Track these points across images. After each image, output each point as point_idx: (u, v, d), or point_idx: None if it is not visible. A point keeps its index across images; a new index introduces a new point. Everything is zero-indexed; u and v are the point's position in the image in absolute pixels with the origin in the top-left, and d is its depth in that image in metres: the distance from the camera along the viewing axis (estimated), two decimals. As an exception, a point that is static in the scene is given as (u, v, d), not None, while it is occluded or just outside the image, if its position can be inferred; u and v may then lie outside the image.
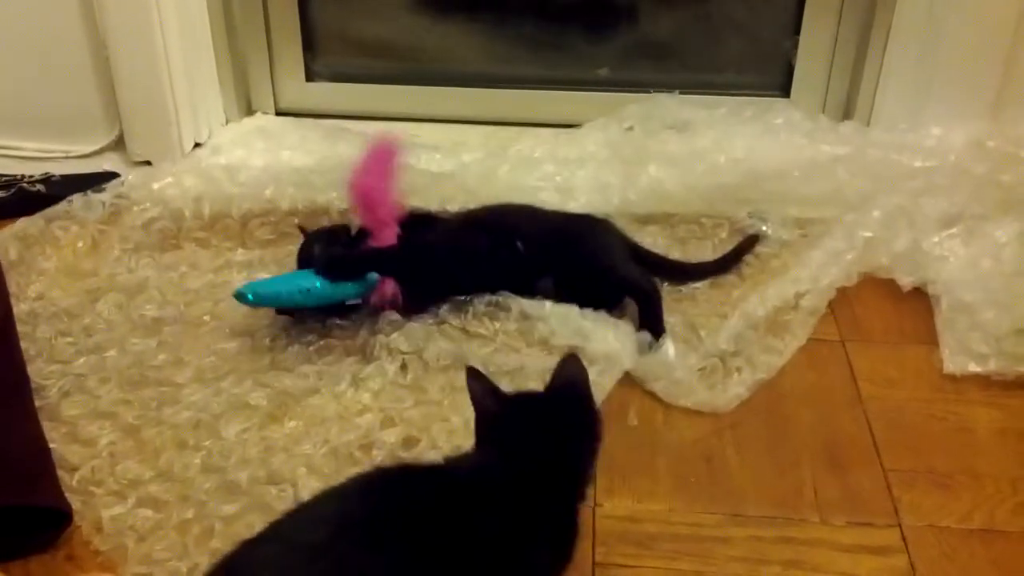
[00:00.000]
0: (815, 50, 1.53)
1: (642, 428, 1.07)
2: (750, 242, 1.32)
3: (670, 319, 1.19)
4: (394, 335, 1.15)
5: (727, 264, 1.30)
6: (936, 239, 1.26)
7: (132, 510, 0.95)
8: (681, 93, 1.54)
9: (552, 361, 0.94)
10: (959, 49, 1.39)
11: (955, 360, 1.15)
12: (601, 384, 1.09)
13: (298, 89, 1.66)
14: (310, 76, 1.66)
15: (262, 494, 0.96)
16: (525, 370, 1.10)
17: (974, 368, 1.14)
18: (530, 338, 1.15)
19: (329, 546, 0.72)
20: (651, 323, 1.17)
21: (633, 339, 1.15)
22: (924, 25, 1.40)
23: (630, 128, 1.51)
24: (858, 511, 0.98)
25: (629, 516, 0.97)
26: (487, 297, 1.19)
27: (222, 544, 0.90)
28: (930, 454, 1.04)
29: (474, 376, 0.85)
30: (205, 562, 0.88)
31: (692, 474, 1.02)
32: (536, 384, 1.00)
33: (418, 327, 1.16)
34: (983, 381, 1.13)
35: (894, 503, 0.98)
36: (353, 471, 0.97)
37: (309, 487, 0.96)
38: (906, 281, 1.26)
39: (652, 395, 1.10)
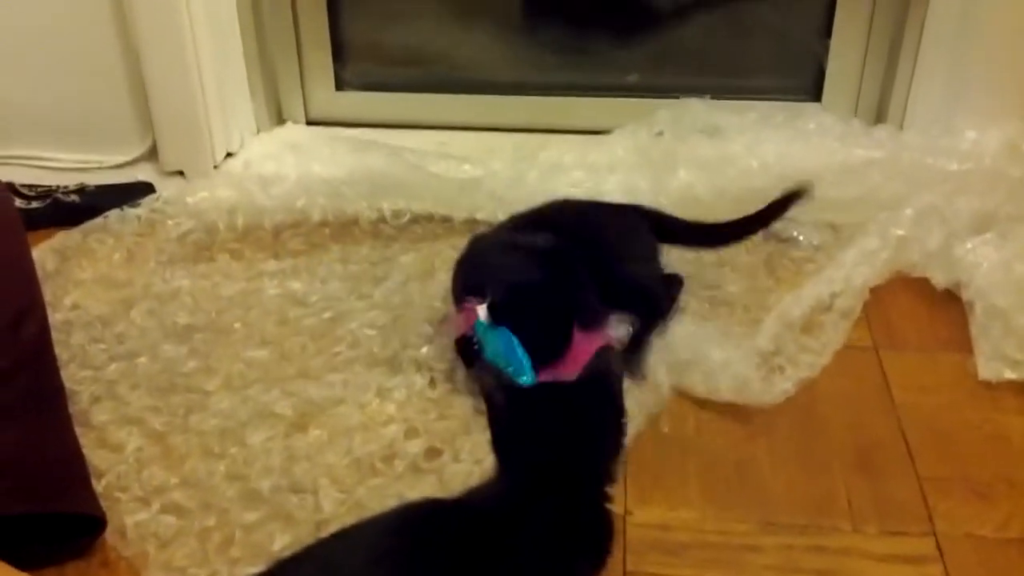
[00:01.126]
0: (846, 53, 1.52)
1: (673, 435, 1.06)
2: (789, 199, 1.26)
3: (707, 323, 1.19)
4: (424, 348, 1.15)
5: (764, 219, 1.27)
6: (970, 244, 1.25)
7: (155, 516, 0.96)
8: (711, 98, 1.53)
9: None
10: (992, 51, 1.38)
11: (990, 367, 1.13)
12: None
13: (328, 98, 1.67)
14: (340, 85, 1.67)
15: (283, 503, 0.97)
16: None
17: (1009, 375, 1.12)
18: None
19: (364, 572, 0.73)
20: (639, 338, 1.15)
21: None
22: (957, 28, 1.38)
23: (660, 133, 1.50)
24: (892, 519, 0.96)
25: (660, 524, 0.96)
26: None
27: (241, 552, 0.91)
28: (965, 462, 1.03)
29: (484, 370, 0.84)
30: (225, 571, 0.90)
31: (723, 482, 1.01)
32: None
33: (450, 343, 1.16)
34: (1019, 388, 1.11)
35: (929, 511, 0.97)
36: (375, 482, 0.99)
37: (330, 497, 0.97)
38: (939, 280, 1.25)
39: (683, 402, 1.10)
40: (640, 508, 0.98)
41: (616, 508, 0.95)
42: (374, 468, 1.01)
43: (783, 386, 1.10)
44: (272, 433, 1.06)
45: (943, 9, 1.39)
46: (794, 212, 1.33)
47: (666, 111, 1.52)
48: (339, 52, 1.65)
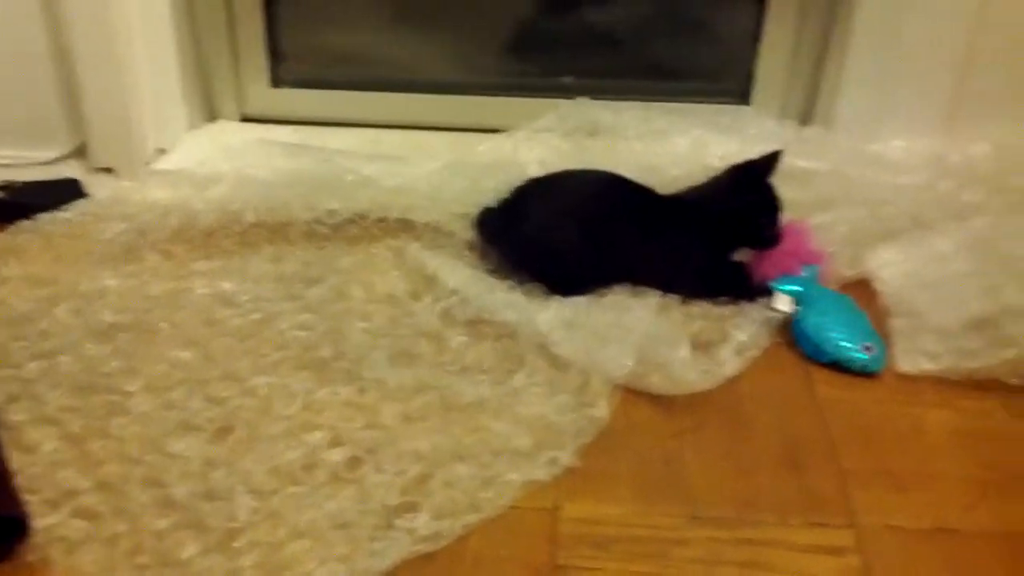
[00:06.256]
0: (776, 57, 1.54)
1: (603, 433, 1.07)
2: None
3: (635, 310, 1.20)
4: (358, 355, 1.15)
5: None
6: (892, 248, 1.28)
7: (65, 520, 0.94)
8: (645, 100, 1.55)
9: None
10: (918, 63, 1.41)
11: (908, 359, 1.16)
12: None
13: (263, 95, 1.66)
14: (275, 82, 1.65)
15: (196, 510, 0.95)
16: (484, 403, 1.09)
17: (927, 366, 1.15)
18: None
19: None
20: None
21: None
22: (883, 38, 1.41)
23: (593, 134, 1.51)
24: (815, 512, 0.98)
25: (590, 519, 0.97)
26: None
27: (149, 560, 0.90)
28: (885, 455, 1.06)
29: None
30: None
31: (652, 477, 1.02)
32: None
33: (386, 347, 1.16)
34: (936, 382, 1.15)
35: (850, 504, 0.99)
36: (293, 490, 0.97)
37: (245, 505, 0.95)
38: (851, 274, 1.29)
39: (613, 399, 1.11)
40: (570, 503, 0.99)
41: (545, 504, 0.97)
42: (293, 476, 0.99)
43: (719, 371, 1.13)
44: (192, 438, 1.04)
45: (869, 18, 1.41)
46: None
47: (602, 112, 1.52)
48: (275, 49, 1.63)
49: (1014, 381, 1.14)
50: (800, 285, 1.22)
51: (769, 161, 1.25)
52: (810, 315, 1.20)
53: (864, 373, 1.16)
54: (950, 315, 1.16)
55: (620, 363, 1.12)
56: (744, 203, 1.24)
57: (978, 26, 1.37)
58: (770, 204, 1.24)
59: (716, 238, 1.25)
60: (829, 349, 1.17)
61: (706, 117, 1.51)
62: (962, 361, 1.14)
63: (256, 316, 1.22)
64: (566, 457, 1.03)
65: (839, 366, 1.17)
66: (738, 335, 1.18)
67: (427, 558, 0.92)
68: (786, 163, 1.27)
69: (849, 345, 1.16)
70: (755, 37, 1.55)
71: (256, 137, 1.57)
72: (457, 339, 1.19)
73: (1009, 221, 1.29)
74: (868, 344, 1.16)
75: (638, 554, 0.94)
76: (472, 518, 0.95)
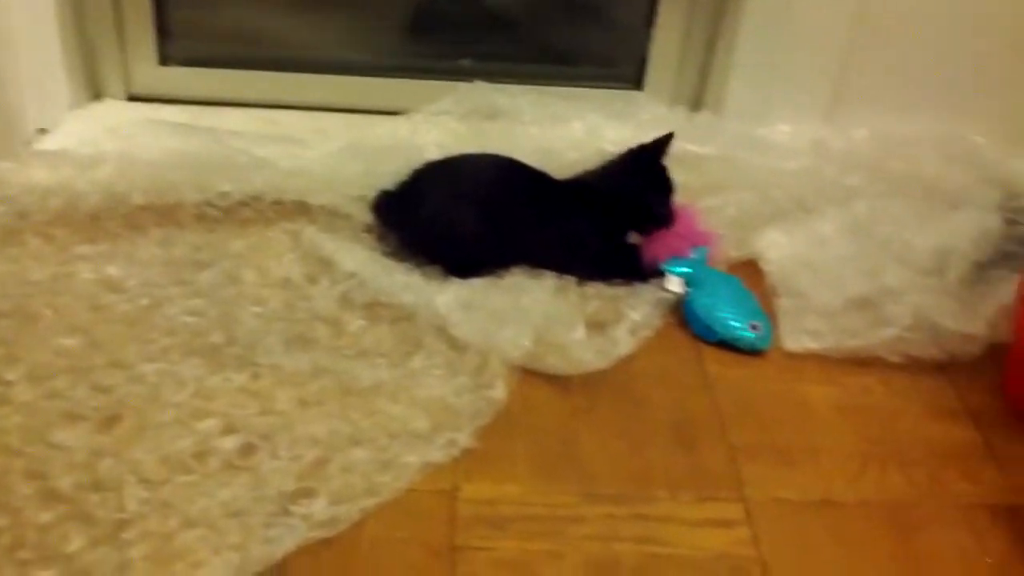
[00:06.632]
0: (667, 44, 1.57)
1: (501, 414, 1.08)
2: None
3: (532, 291, 1.22)
4: (251, 341, 1.12)
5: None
6: (777, 231, 1.33)
7: (-58, 516, 0.90)
8: (541, 84, 1.56)
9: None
10: (804, 52, 1.45)
11: (794, 338, 1.21)
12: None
13: (151, 74, 1.60)
14: (164, 60, 1.60)
15: (83, 502, 0.92)
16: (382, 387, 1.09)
17: (811, 345, 1.20)
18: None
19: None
20: None
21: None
22: (771, 26, 1.45)
23: (490, 117, 1.52)
24: (705, 487, 1.02)
25: (487, 500, 0.98)
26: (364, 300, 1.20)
27: (32, 554, 0.87)
28: (772, 430, 1.10)
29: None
30: (13, 572, 0.85)
31: (549, 457, 1.04)
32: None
33: (281, 332, 1.14)
34: (820, 360, 1.19)
35: (739, 478, 1.03)
36: (184, 479, 0.95)
37: (135, 495, 0.93)
38: (739, 256, 1.33)
39: (510, 379, 1.11)
40: (468, 484, 0.99)
41: (443, 485, 0.98)
42: (185, 465, 0.97)
43: (614, 351, 1.15)
44: (77, 428, 1.00)
45: (757, 8, 1.45)
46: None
47: (498, 96, 1.52)
48: (163, 25, 1.58)
49: (893, 359, 1.19)
50: (690, 267, 1.26)
51: (661, 144, 1.27)
52: (700, 296, 1.23)
53: (752, 351, 1.20)
54: (832, 296, 1.22)
55: (517, 344, 1.13)
56: (636, 185, 1.27)
57: (859, 18, 1.42)
58: (662, 186, 1.27)
59: (610, 221, 1.27)
60: (718, 328, 1.20)
61: (600, 102, 1.53)
62: (844, 340, 1.19)
63: (144, 301, 1.18)
64: (464, 438, 1.03)
65: (728, 344, 1.20)
66: (632, 315, 1.21)
67: (324, 543, 0.91)
68: (677, 147, 1.30)
69: (737, 324, 1.20)
70: (648, 24, 1.57)
71: (143, 117, 1.52)
72: (355, 323, 1.17)
73: (888, 205, 1.35)
74: (755, 323, 1.20)
75: (535, 532, 0.95)
76: (369, 502, 0.95)
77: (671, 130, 1.29)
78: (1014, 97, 1.38)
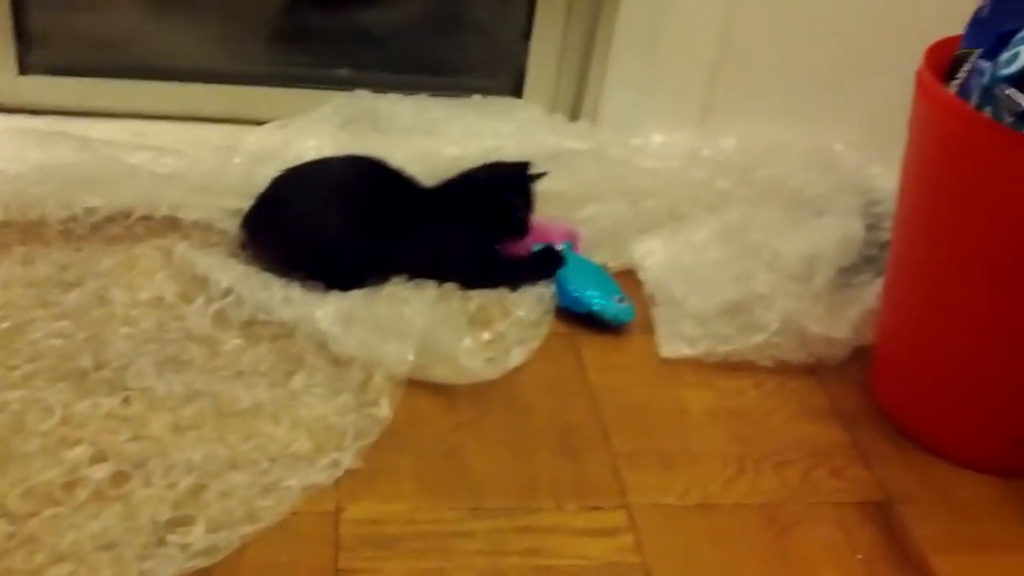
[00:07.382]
0: (545, 55, 1.59)
1: (386, 430, 1.07)
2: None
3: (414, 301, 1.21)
4: (122, 364, 1.08)
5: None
6: (652, 238, 1.36)
7: None
8: (419, 93, 1.55)
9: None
10: (674, 63, 1.49)
11: (670, 345, 1.24)
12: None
13: (10, 83, 1.52)
14: (24, 69, 1.53)
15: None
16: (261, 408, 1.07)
17: (686, 351, 1.23)
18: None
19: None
20: None
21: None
22: (641, 37, 1.48)
23: (370, 124, 1.50)
24: (590, 495, 1.03)
25: (372, 519, 0.97)
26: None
27: None
28: (652, 436, 1.12)
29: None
30: None
31: (434, 471, 1.04)
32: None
33: (153, 354, 1.10)
34: (696, 365, 1.23)
35: (622, 485, 1.05)
36: (52, 512, 0.91)
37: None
38: (616, 265, 1.35)
39: (394, 394, 1.10)
40: (352, 504, 0.98)
41: (327, 507, 0.96)
42: (52, 497, 0.93)
43: (502, 360, 1.17)
44: (-67, 461, 0.94)
45: (630, 19, 1.48)
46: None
47: (378, 103, 1.51)
48: (23, 32, 1.50)
49: (764, 363, 1.23)
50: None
51: (522, 164, 1.32)
52: (570, 272, 1.29)
53: (617, 323, 1.25)
54: (706, 302, 1.25)
55: (401, 358, 1.12)
56: (496, 186, 1.29)
57: (726, 33, 1.47)
58: (520, 187, 1.30)
59: (477, 227, 1.28)
60: (586, 300, 1.26)
61: (480, 107, 1.54)
62: (718, 345, 1.23)
63: (5, 324, 1.13)
64: (348, 459, 1.02)
65: (595, 319, 1.26)
66: (517, 312, 1.24)
67: (202, 573, 0.89)
68: (552, 155, 1.32)
69: (604, 301, 1.26)
70: (526, 35, 1.58)
71: (3, 128, 1.44)
72: (231, 342, 1.15)
73: (757, 212, 1.39)
74: (620, 297, 1.28)
75: (422, 550, 0.95)
76: (250, 528, 0.93)
77: (547, 133, 1.31)
78: (871, 106, 1.43)
